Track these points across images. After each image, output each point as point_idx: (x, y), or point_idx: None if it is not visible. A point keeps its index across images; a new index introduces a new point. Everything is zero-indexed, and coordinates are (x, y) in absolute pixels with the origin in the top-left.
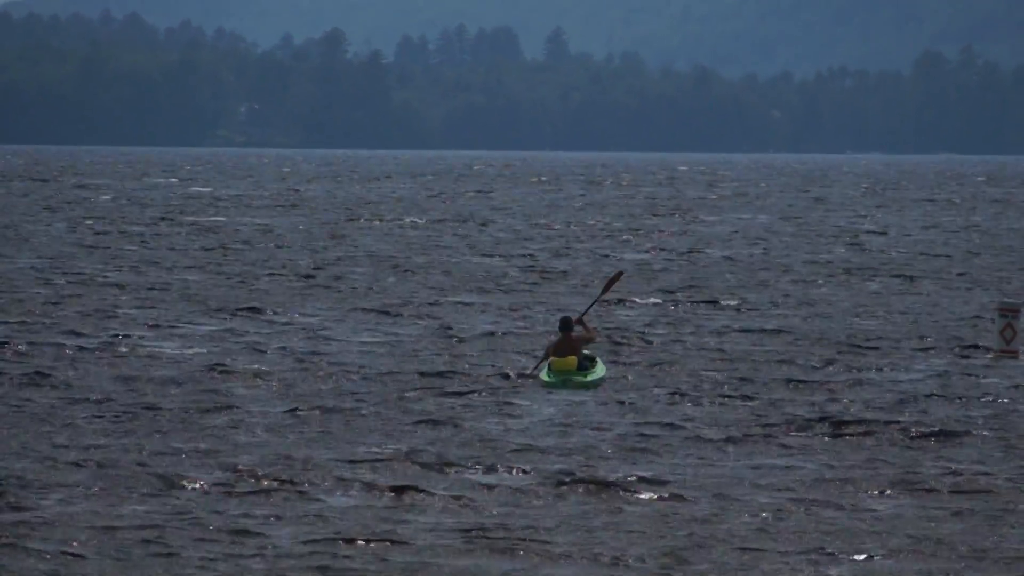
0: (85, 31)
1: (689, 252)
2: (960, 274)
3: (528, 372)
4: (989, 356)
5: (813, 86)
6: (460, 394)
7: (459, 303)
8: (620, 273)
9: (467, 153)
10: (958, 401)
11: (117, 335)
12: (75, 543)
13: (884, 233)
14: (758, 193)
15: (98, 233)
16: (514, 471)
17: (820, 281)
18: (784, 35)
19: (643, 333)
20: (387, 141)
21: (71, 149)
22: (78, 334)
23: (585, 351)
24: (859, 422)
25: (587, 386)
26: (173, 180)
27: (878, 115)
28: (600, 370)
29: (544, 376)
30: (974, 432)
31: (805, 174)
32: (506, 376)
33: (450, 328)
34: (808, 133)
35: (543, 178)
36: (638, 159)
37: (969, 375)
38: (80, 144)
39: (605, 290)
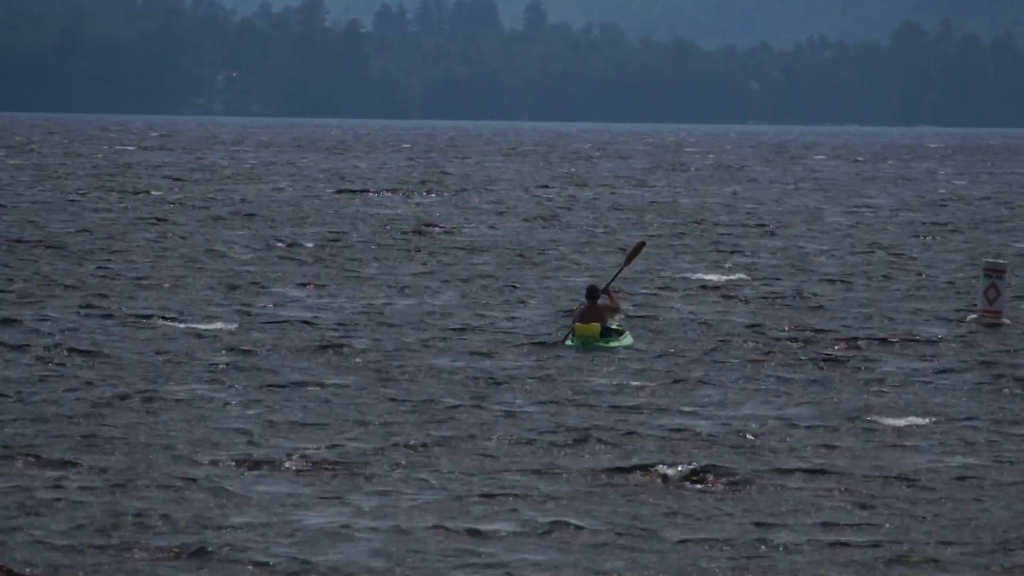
0: None
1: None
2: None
3: (560, 340)
4: (973, 316)
5: (792, 57)
6: (488, 359)
7: None
8: (643, 243)
9: (463, 124)
10: (941, 366)
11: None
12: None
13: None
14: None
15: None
16: (539, 445)
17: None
18: (763, 5)
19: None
20: (366, 110)
21: (45, 116)
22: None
23: (614, 325)
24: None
25: (610, 350)
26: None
27: (857, 87)
28: (626, 340)
29: (568, 342)
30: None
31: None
32: (535, 344)
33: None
34: (787, 105)
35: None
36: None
37: (951, 339)
38: (59, 111)
39: (628, 261)
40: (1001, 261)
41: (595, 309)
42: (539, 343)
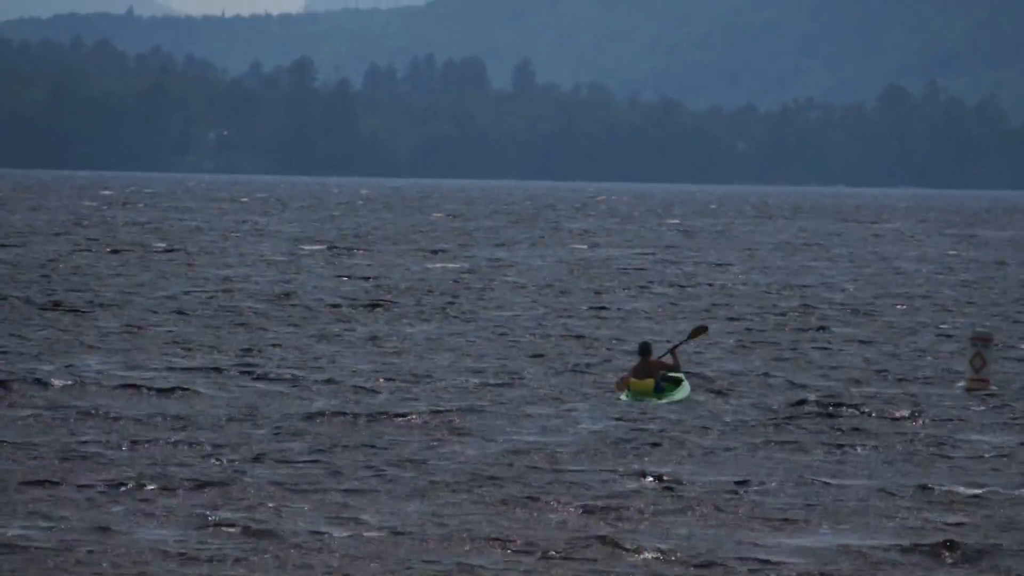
0: (56, 57)
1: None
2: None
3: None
4: (960, 385)
5: (778, 118)
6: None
7: None
8: (705, 328)
9: (449, 183)
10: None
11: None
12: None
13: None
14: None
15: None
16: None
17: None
18: (750, 66)
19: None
20: (355, 169)
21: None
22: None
23: (674, 373)
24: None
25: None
26: None
27: (843, 148)
28: (682, 391)
29: (623, 397)
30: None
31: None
32: (584, 395)
33: None
34: (773, 166)
35: None
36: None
37: (939, 406)
38: (49, 168)
39: (690, 338)
40: (987, 331)
41: (648, 365)
42: (592, 399)
